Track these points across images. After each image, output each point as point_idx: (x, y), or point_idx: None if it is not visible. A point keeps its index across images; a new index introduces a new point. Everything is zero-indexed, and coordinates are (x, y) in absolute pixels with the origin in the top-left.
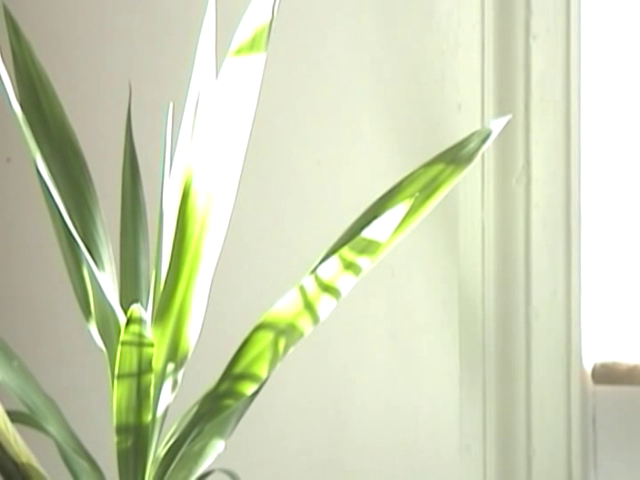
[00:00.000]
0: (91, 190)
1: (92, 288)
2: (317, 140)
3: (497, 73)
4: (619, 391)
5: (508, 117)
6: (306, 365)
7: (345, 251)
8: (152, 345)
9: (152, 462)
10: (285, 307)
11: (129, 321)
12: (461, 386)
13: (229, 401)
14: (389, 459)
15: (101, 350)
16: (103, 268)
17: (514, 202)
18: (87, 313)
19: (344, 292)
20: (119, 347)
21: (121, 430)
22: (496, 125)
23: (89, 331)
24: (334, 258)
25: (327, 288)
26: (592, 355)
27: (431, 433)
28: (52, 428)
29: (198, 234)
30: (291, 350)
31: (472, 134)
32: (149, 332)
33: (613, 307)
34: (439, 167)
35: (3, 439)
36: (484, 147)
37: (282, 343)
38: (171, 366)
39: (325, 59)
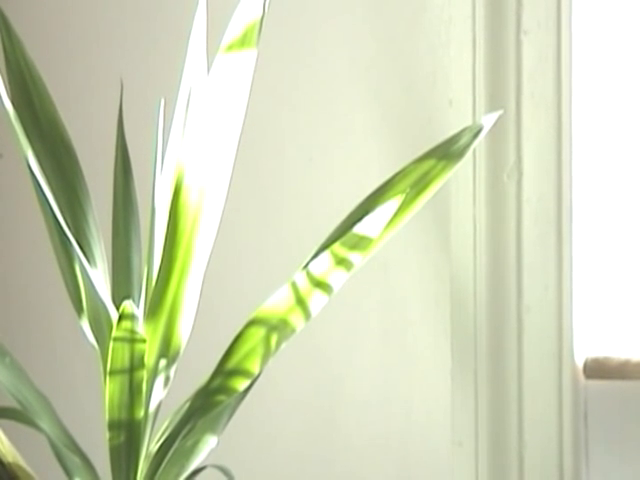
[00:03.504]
0: (83, 186)
1: (84, 284)
2: (309, 136)
3: (488, 69)
4: (610, 386)
5: (499, 112)
6: (298, 361)
7: (337, 247)
8: (144, 341)
9: (144, 458)
10: (277, 303)
11: (121, 317)
12: (453, 381)
13: (221, 397)
14: (381, 454)
15: (93, 346)
16: (95, 264)
17: (506, 197)
18: (79, 309)
19: (336, 288)
20: (111, 343)
21: (113, 426)
22: (487, 120)
23: (81, 327)
24: (326, 254)
25: (319, 284)
26: (583, 350)
27: (423, 428)
28: (44, 424)
29: (190, 230)
30: (283, 346)
31: (463, 130)
32: (141, 328)
33: (604, 302)
34: (430, 163)
35: None
36: (475, 143)
37: (274, 339)
38: (163, 362)
39: (316, 55)
